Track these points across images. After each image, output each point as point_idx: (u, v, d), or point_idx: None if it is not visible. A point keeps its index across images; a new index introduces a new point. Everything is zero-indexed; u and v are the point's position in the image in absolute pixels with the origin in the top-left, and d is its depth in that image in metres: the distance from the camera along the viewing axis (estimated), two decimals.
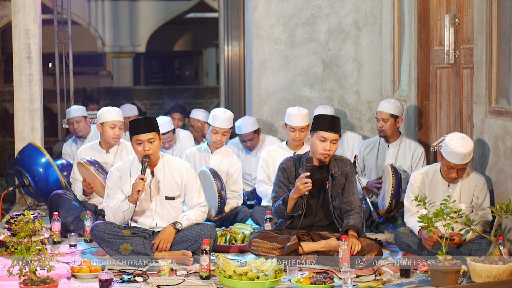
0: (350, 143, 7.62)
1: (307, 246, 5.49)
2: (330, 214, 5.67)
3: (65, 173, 7.55)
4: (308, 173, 5.50)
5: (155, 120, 5.73)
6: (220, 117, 6.89)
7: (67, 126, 10.65)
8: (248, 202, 7.36)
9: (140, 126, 5.62)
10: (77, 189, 6.74)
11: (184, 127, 9.10)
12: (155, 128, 5.65)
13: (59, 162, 7.81)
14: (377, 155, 6.96)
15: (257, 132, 7.63)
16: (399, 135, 6.94)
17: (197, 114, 8.89)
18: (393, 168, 6.47)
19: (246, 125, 7.59)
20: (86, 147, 6.87)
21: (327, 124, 5.58)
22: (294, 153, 6.74)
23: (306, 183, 5.45)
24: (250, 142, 7.63)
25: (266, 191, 6.77)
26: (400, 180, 6.42)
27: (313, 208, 5.67)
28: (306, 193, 5.48)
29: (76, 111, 8.17)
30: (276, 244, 5.43)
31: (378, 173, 6.89)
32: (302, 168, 5.65)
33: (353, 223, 5.56)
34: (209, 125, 6.95)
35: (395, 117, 6.83)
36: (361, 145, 7.19)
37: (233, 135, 8.14)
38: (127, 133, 8.02)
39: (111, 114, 6.75)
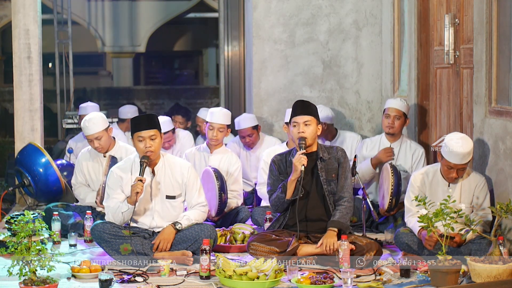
0: (349, 143, 7.62)
1: (305, 250, 5.50)
2: (326, 200, 5.67)
3: (65, 173, 7.54)
4: (304, 151, 5.54)
5: (157, 117, 5.73)
6: (216, 112, 6.98)
7: (67, 126, 10.70)
8: (247, 205, 7.34)
9: (142, 122, 5.61)
10: (86, 195, 6.72)
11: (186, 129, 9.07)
12: (156, 125, 5.65)
13: (59, 162, 7.80)
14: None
15: (256, 128, 7.64)
16: (401, 136, 6.95)
17: (205, 114, 8.85)
18: (393, 167, 6.47)
19: (245, 120, 7.63)
20: (85, 152, 6.86)
21: (295, 109, 5.67)
22: None
23: (300, 158, 5.49)
24: (249, 138, 7.64)
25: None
26: (399, 179, 6.43)
27: (309, 194, 5.66)
28: (302, 169, 5.50)
29: (92, 108, 8.15)
30: (274, 248, 5.41)
31: (378, 172, 6.89)
32: (293, 157, 5.67)
33: (337, 218, 5.55)
34: (207, 122, 7.00)
35: (405, 116, 6.86)
36: (361, 144, 7.20)
37: (234, 134, 8.15)
38: (128, 133, 8.05)
39: (85, 130, 6.67)
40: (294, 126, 5.63)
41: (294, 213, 5.62)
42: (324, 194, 5.65)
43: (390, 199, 6.40)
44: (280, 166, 5.76)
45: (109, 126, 6.76)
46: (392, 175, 6.39)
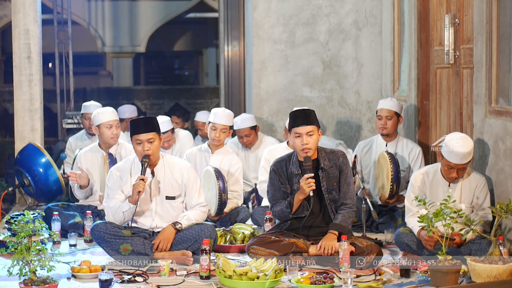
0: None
1: (310, 250, 5.50)
2: (327, 208, 5.64)
3: None
4: (312, 174, 5.47)
5: (156, 120, 5.72)
6: (219, 113, 6.97)
7: (67, 126, 10.70)
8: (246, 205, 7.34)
9: (140, 126, 5.62)
10: (75, 187, 6.75)
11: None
12: (155, 128, 5.65)
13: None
14: (374, 155, 6.96)
15: (254, 128, 7.65)
16: (397, 135, 6.95)
17: (202, 117, 8.85)
18: (389, 154, 6.50)
19: (243, 120, 7.65)
20: (85, 151, 6.86)
21: (296, 119, 5.54)
22: None
23: (309, 183, 5.45)
24: (246, 138, 7.64)
25: None
26: (398, 166, 6.46)
27: (311, 205, 5.64)
28: (311, 194, 5.47)
29: (95, 107, 8.14)
30: (274, 252, 5.40)
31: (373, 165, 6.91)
32: (293, 166, 5.63)
33: (339, 221, 5.53)
34: (210, 122, 7.00)
35: (398, 115, 6.86)
36: (358, 145, 7.20)
37: (233, 135, 8.15)
38: (127, 133, 8.05)
39: (105, 115, 6.76)
40: (297, 136, 5.51)
41: (298, 222, 5.62)
42: (326, 204, 5.64)
43: (391, 185, 6.42)
44: (281, 176, 5.67)
45: None
46: (390, 162, 6.40)
